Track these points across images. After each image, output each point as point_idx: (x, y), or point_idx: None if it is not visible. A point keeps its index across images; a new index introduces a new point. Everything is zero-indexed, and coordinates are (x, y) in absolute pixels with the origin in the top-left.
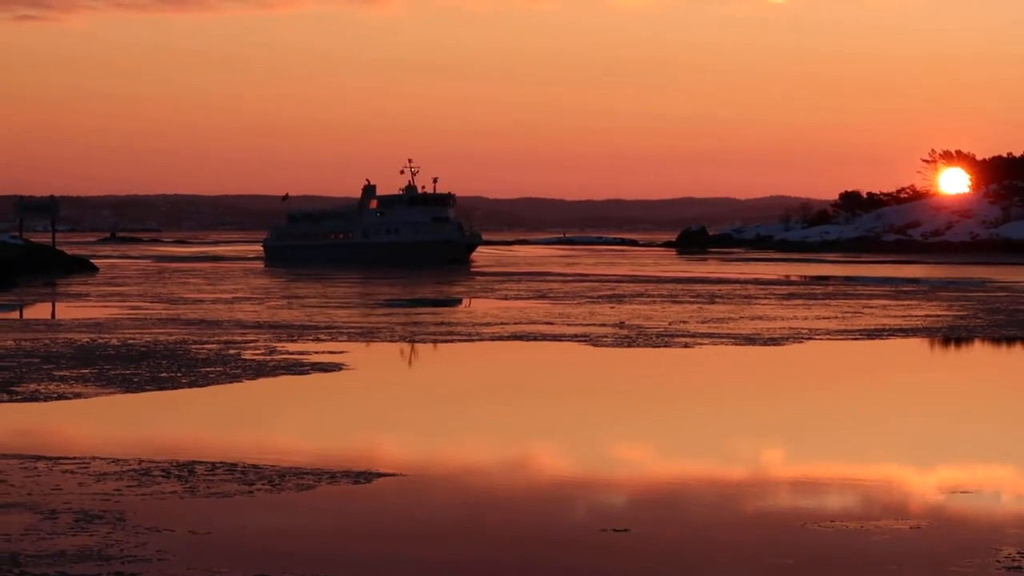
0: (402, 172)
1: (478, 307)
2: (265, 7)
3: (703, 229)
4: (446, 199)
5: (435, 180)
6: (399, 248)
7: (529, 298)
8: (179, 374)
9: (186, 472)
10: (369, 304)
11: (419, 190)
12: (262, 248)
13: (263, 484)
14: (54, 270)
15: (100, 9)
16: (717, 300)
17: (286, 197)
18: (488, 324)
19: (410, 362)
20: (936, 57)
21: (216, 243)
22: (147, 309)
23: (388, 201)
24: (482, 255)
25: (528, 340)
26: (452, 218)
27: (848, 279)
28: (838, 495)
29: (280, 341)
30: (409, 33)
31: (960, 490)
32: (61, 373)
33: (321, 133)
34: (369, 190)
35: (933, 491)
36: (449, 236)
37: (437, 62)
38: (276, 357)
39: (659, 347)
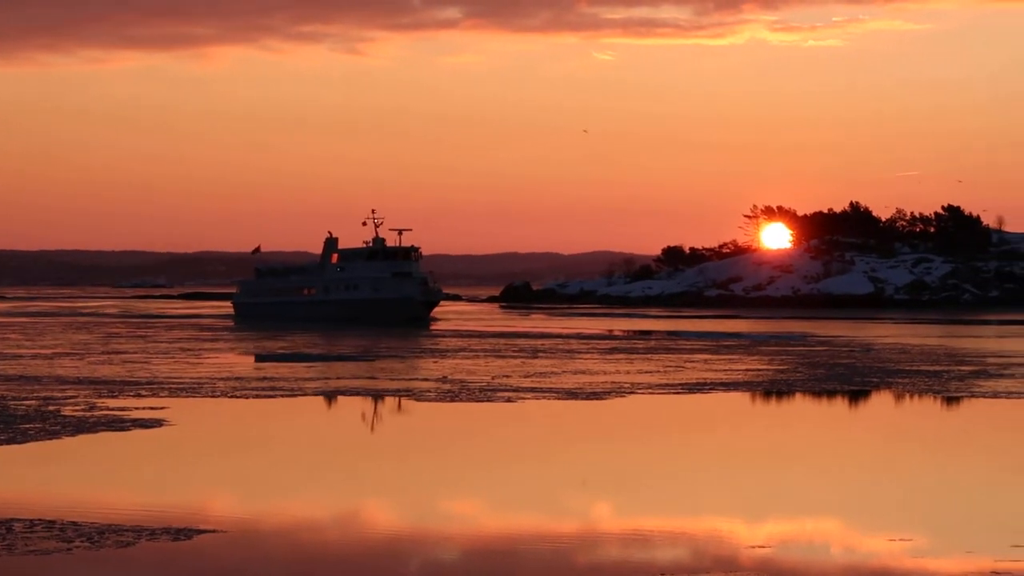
0: (364, 224)
1: (300, 363)
2: (95, 62)
3: (527, 284)
4: (409, 252)
5: (400, 232)
6: (357, 305)
7: (351, 354)
8: None
9: (4, 530)
10: (192, 360)
11: (387, 243)
12: (231, 305)
13: (82, 541)
14: None
15: None
16: (540, 354)
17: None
18: (310, 379)
19: (231, 418)
20: (755, 118)
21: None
22: None
23: (348, 255)
24: None
25: (349, 395)
26: (415, 273)
27: (670, 333)
28: (668, 547)
29: (100, 397)
30: (236, 87)
31: (787, 541)
32: None
33: (149, 185)
34: (331, 243)
35: (761, 542)
36: (407, 293)
37: (260, 116)
38: (96, 413)
39: (482, 402)
